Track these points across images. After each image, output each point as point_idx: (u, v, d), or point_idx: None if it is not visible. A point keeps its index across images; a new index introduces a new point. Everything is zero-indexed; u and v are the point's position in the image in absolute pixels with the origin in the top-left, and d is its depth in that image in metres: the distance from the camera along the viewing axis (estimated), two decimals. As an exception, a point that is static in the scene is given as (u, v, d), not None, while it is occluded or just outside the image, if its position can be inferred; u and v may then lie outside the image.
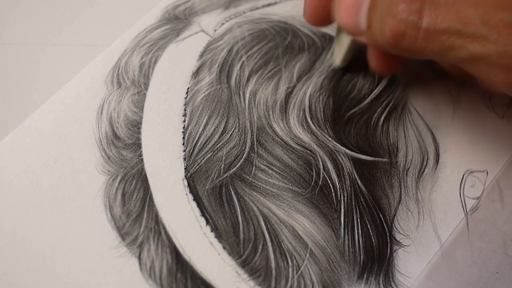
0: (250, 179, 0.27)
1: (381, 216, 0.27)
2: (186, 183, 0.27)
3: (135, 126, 0.29)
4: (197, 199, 0.27)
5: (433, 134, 0.30)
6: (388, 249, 0.26)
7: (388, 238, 0.27)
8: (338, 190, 0.27)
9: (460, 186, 0.28)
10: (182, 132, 0.29)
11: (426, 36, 0.21)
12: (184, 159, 0.28)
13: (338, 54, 0.30)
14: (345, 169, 0.28)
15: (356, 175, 0.28)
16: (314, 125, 0.29)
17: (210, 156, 0.28)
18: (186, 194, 0.27)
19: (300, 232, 0.26)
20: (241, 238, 0.26)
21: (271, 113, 0.30)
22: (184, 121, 0.29)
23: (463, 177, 0.29)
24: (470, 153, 0.29)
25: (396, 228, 0.27)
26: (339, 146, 0.29)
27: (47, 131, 0.29)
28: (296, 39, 0.33)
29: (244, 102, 0.30)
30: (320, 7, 0.27)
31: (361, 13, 0.23)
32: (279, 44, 0.32)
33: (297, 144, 0.29)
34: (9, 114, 0.30)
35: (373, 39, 0.23)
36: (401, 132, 0.30)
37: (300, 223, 0.26)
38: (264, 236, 0.26)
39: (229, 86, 0.31)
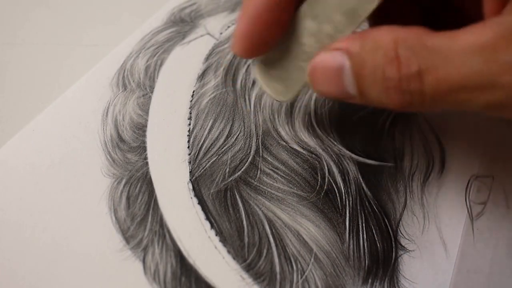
0: (255, 183, 0.27)
1: (386, 220, 0.27)
2: (191, 187, 0.27)
3: (140, 129, 0.29)
4: (201, 202, 0.27)
5: (439, 139, 0.30)
6: (393, 254, 0.26)
7: (393, 243, 0.26)
8: (343, 194, 0.27)
9: (465, 191, 0.28)
10: (187, 135, 0.29)
11: (434, 99, 0.19)
12: (189, 162, 0.28)
13: (284, 90, 0.26)
14: (350, 174, 0.28)
15: (361, 179, 0.28)
16: (320, 129, 0.29)
17: (215, 159, 0.28)
18: (191, 198, 0.27)
19: (305, 237, 0.26)
20: (246, 242, 0.26)
21: (276, 117, 0.30)
22: (189, 124, 0.29)
23: (468, 182, 0.29)
24: (476, 158, 0.29)
25: (401, 233, 0.27)
26: (345, 150, 0.29)
27: (52, 133, 0.29)
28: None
29: (250, 106, 0.30)
30: (257, 38, 0.24)
31: (345, 80, 0.21)
32: (284, 48, 0.32)
33: (303, 148, 0.29)
34: (15, 116, 0.30)
35: (369, 103, 0.21)
36: (407, 137, 0.30)
37: (305, 227, 0.26)
38: (268, 240, 0.26)
39: (235, 89, 0.31)
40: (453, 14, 0.25)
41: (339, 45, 0.21)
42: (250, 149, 0.28)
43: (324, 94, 0.23)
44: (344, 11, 0.22)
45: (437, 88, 0.18)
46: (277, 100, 0.28)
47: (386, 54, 0.19)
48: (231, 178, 0.27)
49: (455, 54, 0.18)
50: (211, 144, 0.28)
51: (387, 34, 0.20)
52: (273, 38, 0.24)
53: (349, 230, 0.26)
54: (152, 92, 0.30)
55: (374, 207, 0.27)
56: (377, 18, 0.25)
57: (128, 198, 0.27)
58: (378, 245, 0.26)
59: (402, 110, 0.20)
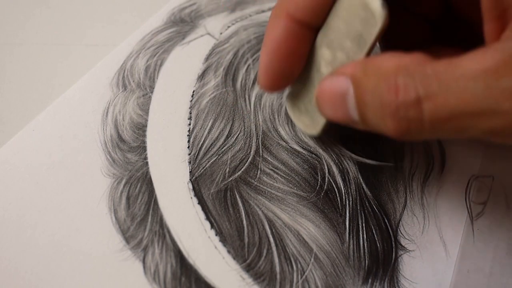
0: (255, 183, 0.27)
1: (386, 220, 0.27)
2: (191, 187, 0.27)
3: (140, 129, 0.29)
4: (201, 202, 0.27)
5: (439, 139, 0.30)
6: (393, 254, 0.26)
7: (393, 243, 0.26)
8: (343, 194, 0.27)
9: (465, 191, 0.28)
10: (187, 135, 0.29)
11: (433, 127, 0.19)
12: (189, 162, 0.28)
13: (311, 123, 0.27)
14: (350, 174, 0.28)
15: (361, 179, 0.28)
16: (320, 129, 0.29)
17: (215, 159, 0.28)
18: (191, 198, 0.27)
19: (305, 237, 0.26)
20: (246, 242, 0.26)
21: (276, 117, 0.30)
22: (189, 124, 0.29)
23: (468, 182, 0.29)
24: (476, 158, 0.29)
25: (401, 233, 0.27)
26: (345, 150, 0.29)
27: (52, 134, 0.29)
28: (302, 42, 0.33)
29: (250, 106, 0.30)
30: (279, 71, 0.24)
31: (348, 106, 0.21)
32: (284, 48, 0.32)
33: (303, 148, 0.29)
34: (15, 116, 0.30)
35: (370, 129, 0.21)
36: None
37: (305, 227, 0.26)
38: (268, 240, 0.26)
39: (235, 89, 0.31)
40: (460, 25, 0.25)
41: (345, 70, 0.21)
42: (250, 149, 0.28)
43: (331, 118, 0.23)
44: (352, 37, 0.22)
45: (436, 114, 0.18)
46: (308, 135, 0.28)
47: (386, 80, 0.19)
48: (231, 178, 0.27)
49: (455, 80, 0.18)
50: (211, 144, 0.28)
51: (389, 61, 0.19)
52: (295, 69, 0.25)
53: (349, 230, 0.26)
54: (152, 92, 0.30)
55: (374, 207, 0.27)
56: (387, 42, 0.25)
57: (128, 198, 0.27)
58: (378, 245, 0.26)
59: (401, 138, 0.20)
